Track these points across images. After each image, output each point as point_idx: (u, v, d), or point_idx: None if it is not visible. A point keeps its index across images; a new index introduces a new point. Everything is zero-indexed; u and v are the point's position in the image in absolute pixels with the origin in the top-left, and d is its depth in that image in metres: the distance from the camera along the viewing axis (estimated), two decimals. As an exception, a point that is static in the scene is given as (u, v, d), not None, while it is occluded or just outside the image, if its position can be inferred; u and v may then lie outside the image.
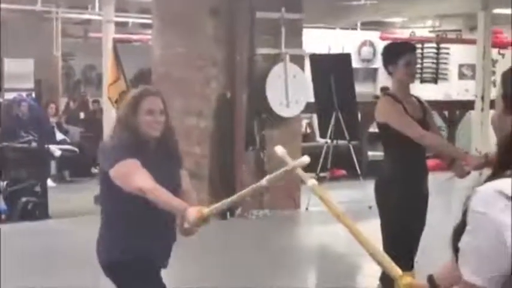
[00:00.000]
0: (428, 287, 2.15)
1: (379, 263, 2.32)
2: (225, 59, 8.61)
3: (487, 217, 1.72)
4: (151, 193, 3.21)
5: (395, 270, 2.25)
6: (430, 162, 4.99)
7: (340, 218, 2.48)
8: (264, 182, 3.28)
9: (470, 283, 1.76)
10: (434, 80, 17.41)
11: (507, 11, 13.30)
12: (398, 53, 4.49)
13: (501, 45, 15.38)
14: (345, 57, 10.65)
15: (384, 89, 16.01)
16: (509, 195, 1.71)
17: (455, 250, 1.82)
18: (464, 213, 1.81)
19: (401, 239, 4.46)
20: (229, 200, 3.33)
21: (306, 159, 3.10)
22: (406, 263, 4.59)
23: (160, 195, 3.22)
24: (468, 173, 4.33)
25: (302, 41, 9.30)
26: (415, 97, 4.65)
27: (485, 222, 1.73)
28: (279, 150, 3.11)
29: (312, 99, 10.46)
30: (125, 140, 3.36)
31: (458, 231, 1.83)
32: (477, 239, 1.74)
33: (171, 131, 3.50)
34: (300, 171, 3.01)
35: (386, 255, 2.32)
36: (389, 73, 4.54)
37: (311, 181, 2.78)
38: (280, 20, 8.83)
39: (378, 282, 4.86)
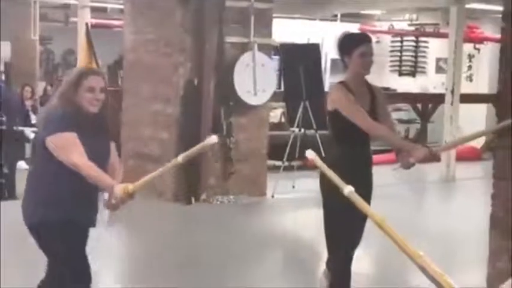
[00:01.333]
0: None
1: (422, 269, 2.23)
2: (193, 47, 8.68)
3: None
4: (84, 169, 3.52)
5: (447, 283, 2.17)
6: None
7: (382, 224, 2.46)
8: (179, 158, 3.58)
9: None
10: (413, 73, 17.53)
11: (483, 6, 13.43)
12: (353, 45, 4.47)
13: (477, 40, 15.51)
14: (315, 47, 10.74)
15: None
16: None
17: None
18: None
19: (343, 228, 4.49)
20: (148, 176, 3.58)
21: (213, 139, 3.50)
22: (347, 252, 4.62)
23: (92, 172, 3.52)
24: (413, 164, 4.35)
25: (271, 31, 9.38)
26: (369, 86, 4.64)
27: None
28: (310, 154, 3.13)
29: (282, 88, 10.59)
30: (66, 113, 3.61)
31: None
32: None
33: (106, 108, 3.76)
34: (337, 179, 2.96)
35: (436, 268, 2.21)
36: (345, 64, 4.54)
37: (348, 188, 2.79)
38: (250, 9, 8.92)
39: (324, 269, 4.91)
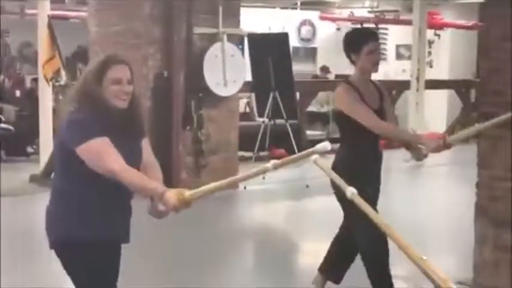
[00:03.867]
0: None
1: (425, 272, 2.27)
2: (162, 38, 8.56)
3: None
4: (124, 177, 3.06)
5: (441, 278, 2.22)
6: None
7: (386, 228, 2.50)
8: (269, 165, 3.05)
9: None
10: (373, 60, 17.58)
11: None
12: (362, 41, 4.41)
13: (437, 27, 15.64)
14: (283, 37, 10.69)
15: (324, 68, 16.24)
16: None
17: None
18: None
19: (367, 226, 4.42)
20: (213, 185, 3.20)
21: (326, 145, 2.97)
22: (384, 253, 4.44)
23: (134, 178, 3.08)
24: (425, 156, 4.35)
25: (240, 21, 9.30)
26: (375, 84, 4.61)
27: None
28: (315, 158, 2.98)
29: (250, 79, 10.51)
30: (92, 115, 3.14)
31: None
32: None
33: (137, 101, 3.30)
34: (339, 180, 2.95)
35: (440, 272, 2.25)
36: (352, 61, 4.46)
37: (350, 190, 2.78)
38: (218, 0, 8.81)
39: (316, 273, 4.90)
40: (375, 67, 4.43)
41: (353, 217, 4.39)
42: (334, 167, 4.44)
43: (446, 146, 4.20)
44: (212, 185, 3.18)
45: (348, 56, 4.47)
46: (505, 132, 4.58)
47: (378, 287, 4.56)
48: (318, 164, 2.81)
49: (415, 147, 4.36)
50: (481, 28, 5.45)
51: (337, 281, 4.85)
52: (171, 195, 3.04)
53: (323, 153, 2.90)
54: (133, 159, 3.19)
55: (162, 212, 3.20)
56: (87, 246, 3.20)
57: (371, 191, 4.45)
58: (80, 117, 3.16)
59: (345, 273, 4.80)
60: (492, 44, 4.89)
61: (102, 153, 3.08)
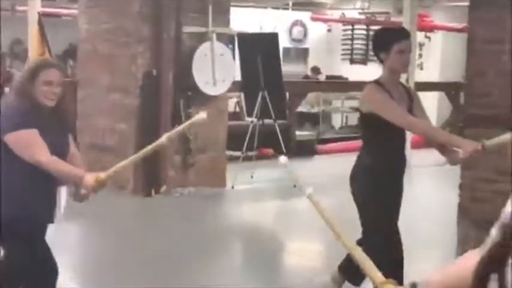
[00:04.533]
0: None
1: (363, 269, 2.32)
2: (151, 37, 8.54)
3: None
4: (50, 166, 3.51)
5: (378, 276, 2.22)
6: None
7: (332, 226, 2.54)
8: (163, 139, 3.65)
9: None
10: (364, 61, 17.66)
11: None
12: (392, 40, 4.20)
13: (427, 29, 15.68)
14: (272, 37, 10.71)
15: (315, 69, 16.28)
16: None
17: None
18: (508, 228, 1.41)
19: (382, 229, 4.37)
20: (122, 163, 3.68)
21: (202, 114, 3.68)
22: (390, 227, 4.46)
23: (59, 166, 3.54)
24: (461, 159, 4.16)
25: (229, 20, 9.30)
26: (404, 86, 4.48)
27: None
28: (283, 160, 3.04)
29: (239, 78, 10.52)
30: (24, 109, 3.56)
31: (496, 249, 1.40)
32: None
33: (64, 100, 3.74)
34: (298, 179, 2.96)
35: (371, 262, 2.30)
36: (381, 61, 4.29)
37: (309, 190, 2.77)
38: (208, -1, 8.82)
39: (335, 272, 4.77)
40: (404, 67, 4.29)
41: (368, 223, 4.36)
42: (356, 171, 4.39)
43: (485, 150, 3.98)
44: (121, 163, 3.67)
45: (377, 55, 4.32)
46: (487, 134, 4.62)
47: None
48: (311, 200, 2.75)
49: (451, 150, 4.17)
50: (468, 31, 5.47)
51: (358, 283, 4.67)
52: (90, 177, 3.50)
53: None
54: (61, 150, 3.65)
55: (83, 195, 3.65)
56: (15, 221, 3.58)
57: (396, 195, 4.40)
58: (12, 109, 3.60)
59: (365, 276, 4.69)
60: (478, 47, 4.95)
61: (30, 144, 3.50)
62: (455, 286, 1.68)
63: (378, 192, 4.25)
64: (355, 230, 4.10)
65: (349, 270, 4.55)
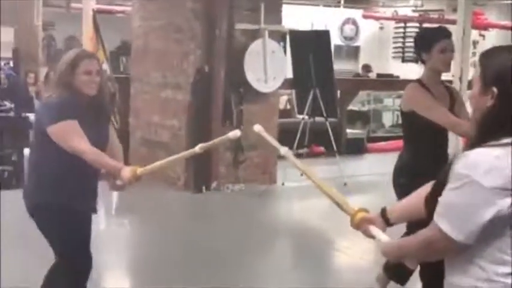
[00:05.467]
0: (380, 219, 2.52)
1: (336, 204, 2.63)
2: (203, 33, 8.59)
3: (470, 178, 1.99)
4: (89, 155, 3.58)
5: (350, 208, 2.58)
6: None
7: (306, 172, 2.91)
8: (197, 148, 3.70)
9: (449, 237, 2.02)
10: (416, 60, 17.46)
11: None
12: (433, 39, 4.21)
13: (482, 27, 15.45)
14: (324, 34, 10.66)
15: (366, 67, 16.17)
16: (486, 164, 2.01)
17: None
18: (446, 172, 2.11)
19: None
20: (158, 163, 3.73)
21: (236, 133, 3.65)
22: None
23: (97, 157, 3.61)
24: None
25: (281, 17, 9.30)
26: (445, 85, 4.42)
27: (469, 183, 2.00)
28: (257, 128, 3.28)
29: (291, 76, 10.51)
30: (65, 100, 3.64)
31: (438, 186, 2.15)
32: (460, 197, 2.02)
33: (103, 90, 3.83)
34: (272, 140, 3.24)
35: (341, 195, 2.68)
36: (423, 61, 4.28)
37: (284, 149, 3.06)
38: (260, -4, 8.84)
39: (380, 271, 4.73)
40: (446, 67, 4.26)
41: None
42: (397, 171, 4.36)
43: None
44: (158, 163, 3.72)
45: (419, 55, 4.31)
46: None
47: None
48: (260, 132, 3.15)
49: None
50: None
51: (403, 283, 4.67)
52: (127, 170, 3.59)
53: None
54: (101, 140, 3.74)
55: (120, 186, 3.76)
56: (59, 211, 3.70)
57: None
58: (54, 101, 3.68)
59: (410, 275, 4.56)
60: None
61: (70, 134, 3.58)
62: (413, 208, 2.45)
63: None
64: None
65: (394, 269, 4.56)
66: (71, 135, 3.57)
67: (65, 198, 3.70)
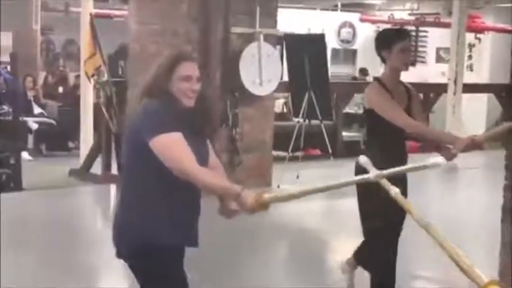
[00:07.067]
0: None
1: (464, 272, 2.38)
2: (199, 37, 8.67)
3: None
4: (197, 177, 2.93)
5: (480, 279, 2.30)
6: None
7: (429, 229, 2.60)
8: (371, 176, 3.11)
9: None
10: (413, 63, 17.54)
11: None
12: (394, 40, 4.39)
13: (478, 30, 15.53)
14: (320, 37, 10.73)
15: (362, 71, 16.24)
16: None
17: None
18: None
19: (382, 225, 4.48)
20: (297, 191, 3.11)
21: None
22: (387, 251, 4.63)
23: (208, 179, 2.96)
24: (455, 155, 4.32)
25: (277, 21, 9.38)
26: (404, 84, 4.61)
27: None
28: (362, 159, 3.14)
29: (286, 79, 10.59)
30: (166, 108, 2.98)
31: None
32: None
33: (206, 100, 3.17)
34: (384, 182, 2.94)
35: (468, 261, 2.40)
36: (383, 60, 4.46)
37: (394, 190, 2.84)
38: (255, 0, 8.91)
39: (348, 256, 5.05)
40: (405, 66, 4.43)
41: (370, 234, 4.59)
42: (359, 168, 4.41)
43: (476, 145, 4.23)
44: (293, 190, 3.07)
45: (379, 55, 4.48)
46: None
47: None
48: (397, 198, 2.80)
49: (445, 147, 4.39)
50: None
51: (369, 268, 4.91)
52: (249, 195, 2.93)
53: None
54: (203, 159, 3.06)
55: (234, 211, 3.13)
56: (162, 254, 3.05)
57: (401, 187, 4.51)
58: (155, 108, 2.99)
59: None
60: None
61: (176, 149, 2.92)
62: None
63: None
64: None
65: (362, 256, 4.91)
66: (178, 152, 2.90)
67: (168, 237, 3.05)
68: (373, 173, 2.85)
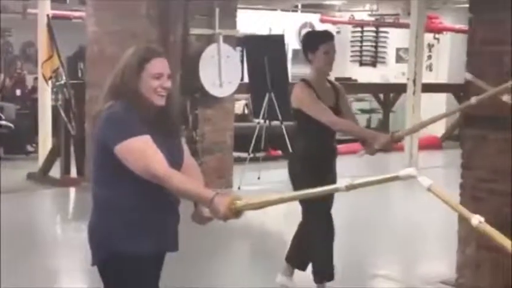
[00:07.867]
0: None
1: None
2: (159, 39, 8.62)
3: None
4: (168, 181, 2.74)
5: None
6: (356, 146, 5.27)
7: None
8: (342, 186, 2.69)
9: None
10: (373, 63, 17.70)
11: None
12: (319, 42, 4.69)
13: (436, 30, 15.70)
14: (279, 38, 10.76)
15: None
16: None
17: None
18: None
19: (316, 208, 4.73)
20: (269, 198, 2.80)
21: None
22: (323, 224, 4.88)
23: (179, 182, 2.75)
24: (377, 150, 4.61)
25: (236, 22, 9.38)
26: (331, 83, 4.90)
27: None
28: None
29: (247, 80, 10.58)
30: (133, 111, 2.83)
31: None
32: None
33: (173, 98, 3.01)
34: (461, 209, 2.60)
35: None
36: (309, 61, 4.74)
37: (476, 218, 2.64)
38: (214, 1, 8.89)
39: (284, 264, 5.22)
40: (329, 66, 4.70)
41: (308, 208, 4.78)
42: (291, 161, 4.93)
43: (394, 141, 4.57)
44: (267, 197, 2.80)
45: (306, 56, 4.74)
46: (488, 134, 4.70)
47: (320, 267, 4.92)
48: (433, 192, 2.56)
49: (369, 143, 4.62)
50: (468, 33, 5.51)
51: (304, 268, 5.14)
52: (222, 201, 2.69)
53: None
54: (174, 160, 2.88)
55: (207, 218, 2.95)
56: (137, 261, 2.90)
57: (330, 180, 4.66)
58: (119, 112, 2.82)
59: (309, 262, 5.05)
60: (477, 49, 4.98)
61: (144, 153, 2.75)
62: None
63: (309, 177, 4.58)
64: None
65: (295, 258, 5.13)
66: (146, 156, 2.73)
67: (144, 243, 2.90)
68: (345, 183, 2.74)
